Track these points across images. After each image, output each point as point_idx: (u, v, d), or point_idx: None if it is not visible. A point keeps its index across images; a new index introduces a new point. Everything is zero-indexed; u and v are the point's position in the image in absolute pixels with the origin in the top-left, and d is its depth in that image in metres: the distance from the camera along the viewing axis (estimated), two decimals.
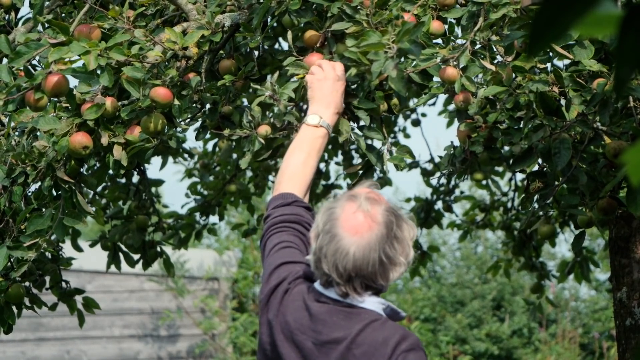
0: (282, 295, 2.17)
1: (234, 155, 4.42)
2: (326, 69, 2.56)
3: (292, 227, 2.32)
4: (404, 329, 2.13)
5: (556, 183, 2.76)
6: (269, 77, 2.85)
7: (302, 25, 2.79)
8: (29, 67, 2.82)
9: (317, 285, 2.17)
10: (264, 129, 2.68)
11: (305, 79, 2.59)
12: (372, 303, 2.12)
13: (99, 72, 2.62)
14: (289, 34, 2.72)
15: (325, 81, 2.53)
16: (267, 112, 3.09)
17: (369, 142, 2.78)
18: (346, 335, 2.08)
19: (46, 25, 3.16)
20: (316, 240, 2.11)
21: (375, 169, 2.88)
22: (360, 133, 2.70)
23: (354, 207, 2.10)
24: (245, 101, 3.65)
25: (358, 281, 2.08)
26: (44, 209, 2.87)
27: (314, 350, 2.10)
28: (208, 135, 4.36)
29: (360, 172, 2.93)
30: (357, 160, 4.70)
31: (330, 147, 4.62)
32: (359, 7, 2.58)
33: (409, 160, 2.77)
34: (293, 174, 2.43)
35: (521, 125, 2.67)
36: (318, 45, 2.72)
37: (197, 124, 3.23)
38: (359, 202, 2.11)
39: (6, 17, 3.35)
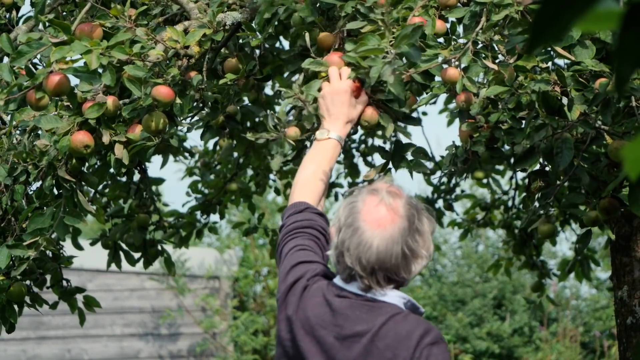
0: (301, 291, 2.19)
1: (235, 154, 4.42)
2: (332, 81, 2.60)
3: (306, 232, 2.34)
4: (427, 322, 2.14)
5: (558, 182, 2.76)
6: (293, 78, 2.84)
7: (308, 24, 2.79)
8: (30, 65, 2.83)
9: (337, 280, 2.19)
10: (294, 131, 2.68)
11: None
12: (393, 297, 2.13)
13: (100, 71, 2.63)
14: (307, 36, 2.72)
15: (327, 96, 2.58)
16: (272, 111, 3.09)
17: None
18: (369, 328, 2.09)
19: (47, 24, 3.16)
20: (338, 235, 2.13)
21: (391, 170, 2.86)
22: (401, 125, 2.70)
23: (375, 201, 2.13)
24: (246, 100, 3.65)
25: (381, 274, 2.10)
26: (45, 208, 2.87)
27: (336, 344, 2.11)
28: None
29: (379, 175, 2.92)
30: (357, 159, 4.70)
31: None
32: (373, 6, 2.57)
33: (428, 164, 2.77)
34: (304, 184, 2.48)
35: (523, 126, 2.67)
36: (336, 46, 2.72)
37: (201, 124, 3.22)
38: (380, 195, 2.13)
39: (7, 16, 3.35)
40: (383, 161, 2.85)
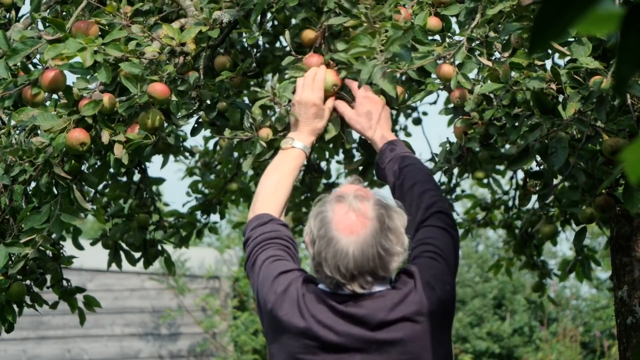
0: (302, 298, 2.21)
1: (235, 154, 4.42)
2: (303, 90, 2.64)
3: (275, 242, 2.38)
4: (410, 280, 2.21)
5: (555, 182, 2.76)
6: (269, 80, 2.85)
7: (299, 21, 2.79)
8: (29, 65, 2.82)
9: (323, 287, 2.22)
10: (265, 132, 2.70)
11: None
12: (381, 285, 2.18)
13: (96, 68, 2.63)
14: (287, 34, 2.73)
15: (296, 105, 2.64)
16: (268, 111, 3.09)
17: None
18: (387, 314, 2.15)
19: (44, 22, 3.16)
20: (313, 246, 2.17)
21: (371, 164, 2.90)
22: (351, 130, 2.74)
23: (344, 208, 2.16)
24: (246, 99, 3.65)
25: (361, 278, 2.14)
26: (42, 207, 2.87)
27: (368, 334, 2.15)
28: (209, 133, 4.37)
29: (360, 168, 2.94)
30: (357, 159, 4.70)
31: (331, 145, 4.62)
32: (356, 1, 2.57)
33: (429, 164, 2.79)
34: (266, 196, 2.52)
35: (518, 124, 2.67)
36: (317, 45, 2.73)
37: (193, 120, 3.22)
38: (348, 202, 2.17)
39: (7, 16, 3.35)
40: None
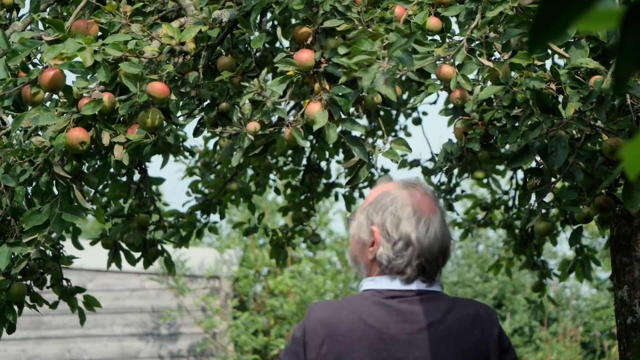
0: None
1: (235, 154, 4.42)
2: None
3: None
4: (475, 302, 2.20)
5: (552, 180, 2.76)
6: (263, 73, 2.87)
7: (298, 21, 2.81)
8: (29, 65, 2.82)
9: (370, 286, 2.16)
10: (253, 126, 2.71)
11: None
12: (437, 286, 2.18)
13: (95, 67, 2.63)
14: (279, 30, 2.75)
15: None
16: (261, 107, 3.10)
17: (358, 134, 2.83)
18: (439, 317, 2.12)
19: (44, 23, 3.16)
20: (396, 230, 2.13)
21: (373, 163, 2.90)
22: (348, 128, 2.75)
23: (418, 192, 2.18)
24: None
25: (440, 259, 2.16)
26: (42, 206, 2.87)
27: (406, 338, 2.11)
28: (207, 133, 4.38)
29: (358, 165, 2.94)
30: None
31: (331, 145, 4.62)
32: (350, 4, 2.59)
33: (405, 153, 2.79)
34: None
35: (518, 124, 2.67)
36: (309, 41, 2.75)
37: (196, 121, 3.23)
38: (418, 187, 2.19)
39: (7, 16, 3.35)
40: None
